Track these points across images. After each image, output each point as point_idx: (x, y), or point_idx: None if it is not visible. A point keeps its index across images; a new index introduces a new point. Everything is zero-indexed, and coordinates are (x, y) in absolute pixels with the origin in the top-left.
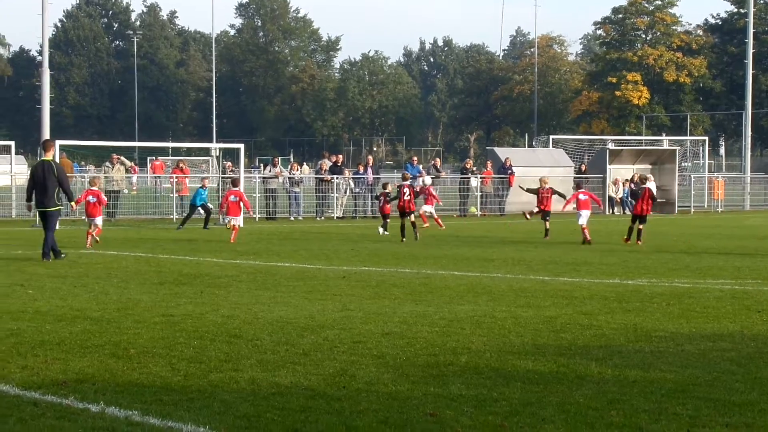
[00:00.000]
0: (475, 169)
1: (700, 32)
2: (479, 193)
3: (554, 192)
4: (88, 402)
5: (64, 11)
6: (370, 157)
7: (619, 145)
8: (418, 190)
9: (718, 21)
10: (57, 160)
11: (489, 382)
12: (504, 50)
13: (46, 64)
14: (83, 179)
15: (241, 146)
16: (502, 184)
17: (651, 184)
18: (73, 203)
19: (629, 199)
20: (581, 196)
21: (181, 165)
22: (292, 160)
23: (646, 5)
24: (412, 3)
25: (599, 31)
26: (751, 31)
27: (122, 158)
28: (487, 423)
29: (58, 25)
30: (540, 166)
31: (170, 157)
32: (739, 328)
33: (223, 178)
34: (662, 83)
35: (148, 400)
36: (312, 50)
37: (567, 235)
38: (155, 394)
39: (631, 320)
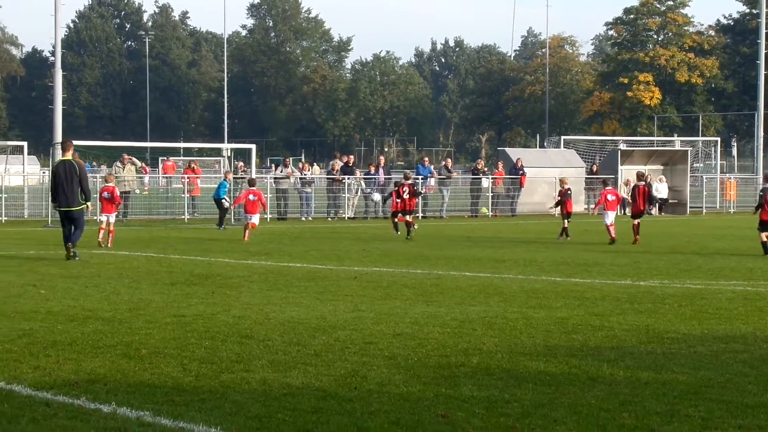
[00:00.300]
0: (486, 169)
1: (712, 33)
2: (490, 194)
3: (568, 194)
4: (100, 402)
5: (76, 12)
6: (382, 158)
7: (630, 146)
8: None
9: (730, 21)
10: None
11: (500, 383)
12: (515, 51)
13: (58, 64)
14: (95, 179)
15: (253, 146)
16: (513, 185)
17: (663, 186)
18: (89, 203)
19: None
20: (609, 197)
21: (192, 165)
22: (303, 160)
23: (658, 6)
24: (424, 3)
25: (611, 32)
26: (763, 31)
27: (133, 158)
28: (499, 424)
29: (71, 25)
30: (551, 167)
31: (182, 158)
32: (751, 329)
33: (235, 178)
34: (674, 84)
35: (160, 401)
36: (323, 51)
37: (578, 236)
38: (167, 394)
39: (643, 321)
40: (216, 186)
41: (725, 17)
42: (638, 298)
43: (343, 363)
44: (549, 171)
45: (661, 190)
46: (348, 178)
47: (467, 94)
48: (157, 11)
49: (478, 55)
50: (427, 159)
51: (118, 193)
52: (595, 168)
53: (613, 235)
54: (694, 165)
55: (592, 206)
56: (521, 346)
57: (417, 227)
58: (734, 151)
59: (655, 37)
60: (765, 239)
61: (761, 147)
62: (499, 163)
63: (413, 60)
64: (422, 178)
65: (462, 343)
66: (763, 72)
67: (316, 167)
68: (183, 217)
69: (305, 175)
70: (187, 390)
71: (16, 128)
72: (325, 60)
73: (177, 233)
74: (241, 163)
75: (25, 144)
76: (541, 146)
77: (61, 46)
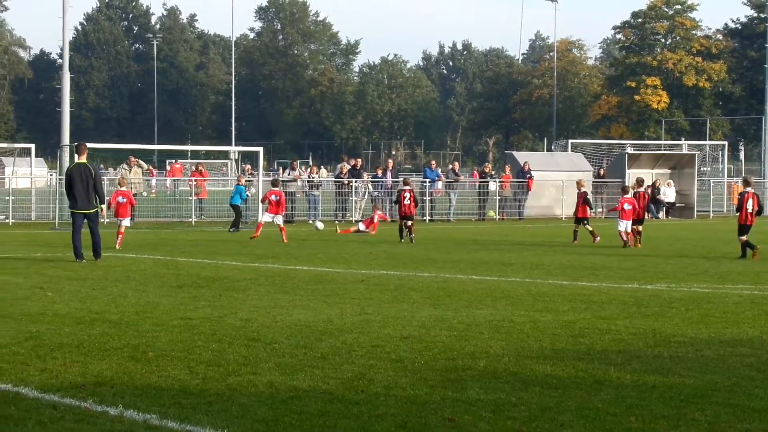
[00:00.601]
0: (493, 173)
1: (719, 37)
2: (498, 197)
3: (585, 198)
4: (107, 405)
5: (84, 14)
6: (390, 161)
7: (638, 150)
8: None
9: (737, 25)
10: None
11: (507, 386)
12: (523, 54)
13: (66, 67)
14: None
15: (260, 149)
16: (520, 188)
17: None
18: (104, 206)
19: (650, 204)
20: (626, 206)
21: (200, 168)
22: (311, 163)
23: (666, 10)
24: (432, 7)
25: (619, 36)
26: None
27: (140, 161)
28: (506, 428)
29: (79, 28)
30: (559, 170)
31: (189, 160)
32: (758, 333)
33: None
34: (682, 87)
35: (167, 404)
36: (331, 54)
37: (584, 239)
38: (174, 397)
39: (650, 325)
40: (232, 191)
41: (733, 21)
42: (645, 301)
43: (350, 366)
44: (556, 174)
45: (668, 194)
46: (355, 181)
47: (475, 98)
48: (165, 14)
49: (486, 59)
50: (434, 162)
51: (133, 197)
52: (602, 172)
53: (625, 239)
54: (702, 169)
55: (599, 210)
56: (528, 350)
57: (403, 239)
58: (741, 155)
59: (663, 41)
60: (745, 240)
61: None
62: (507, 166)
63: (421, 63)
64: (429, 182)
65: (469, 346)
66: None
67: (324, 170)
68: (190, 219)
69: (313, 178)
70: (193, 393)
71: (24, 130)
72: (333, 63)
73: (184, 236)
74: (249, 166)
75: (32, 146)
76: (549, 150)
77: (68, 49)
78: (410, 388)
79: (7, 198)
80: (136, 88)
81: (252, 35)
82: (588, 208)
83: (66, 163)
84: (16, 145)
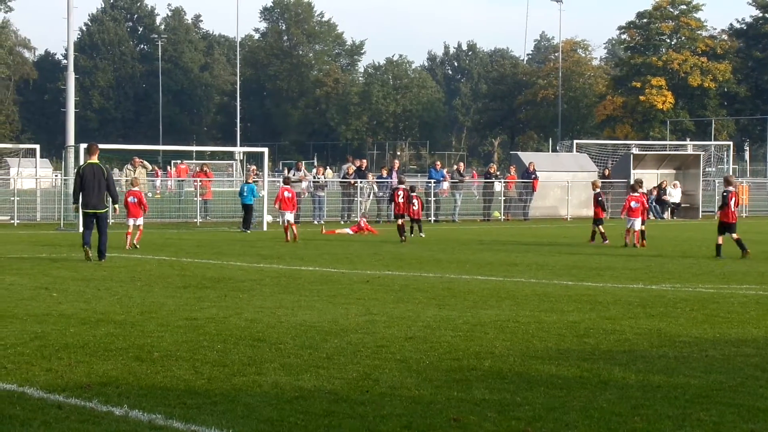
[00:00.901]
0: (498, 173)
1: (725, 37)
2: (503, 198)
3: (597, 199)
4: (112, 405)
5: (89, 15)
6: (396, 161)
7: (643, 150)
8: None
9: (743, 26)
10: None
11: (512, 386)
12: (528, 54)
13: (71, 67)
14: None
15: (265, 150)
16: (525, 189)
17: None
18: (116, 206)
19: (655, 204)
20: (633, 204)
21: (204, 169)
22: (316, 163)
23: (671, 10)
24: (437, 7)
25: (624, 36)
26: None
27: (144, 161)
28: (511, 428)
29: (83, 28)
30: (564, 171)
31: (194, 161)
32: (763, 333)
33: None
34: (687, 88)
35: (172, 404)
36: (336, 54)
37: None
38: (179, 397)
39: (655, 325)
40: (239, 190)
41: (738, 21)
42: (650, 302)
43: (355, 366)
44: (561, 175)
45: (674, 194)
46: (361, 182)
47: (480, 98)
48: (169, 14)
49: (491, 59)
50: (439, 163)
51: (144, 198)
52: (607, 172)
53: (628, 239)
54: (707, 169)
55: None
56: (533, 350)
57: (405, 239)
58: (747, 156)
59: (668, 41)
60: (721, 242)
61: None
62: (512, 167)
63: (426, 64)
64: (435, 182)
65: (474, 346)
66: None
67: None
68: (195, 220)
69: (318, 178)
70: (199, 393)
71: (29, 131)
72: (338, 63)
73: (189, 236)
74: (254, 167)
75: (37, 147)
76: (554, 150)
77: (73, 50)
78: (415, 389)
79: (12, 199)
80: (141, 89)
81: (257, 36)
82: (601, 210)
83: (71, 164)
84: (21, 146)
